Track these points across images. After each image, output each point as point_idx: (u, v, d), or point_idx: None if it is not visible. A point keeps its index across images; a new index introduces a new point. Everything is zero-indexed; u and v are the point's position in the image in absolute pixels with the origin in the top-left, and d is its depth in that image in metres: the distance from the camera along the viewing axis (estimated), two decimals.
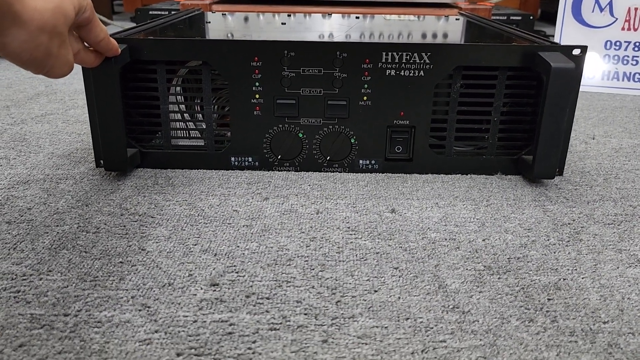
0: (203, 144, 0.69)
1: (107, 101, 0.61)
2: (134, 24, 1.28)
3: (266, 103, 0.66)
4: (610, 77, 1.12)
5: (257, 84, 0.65)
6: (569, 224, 0.57)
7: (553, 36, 1.75)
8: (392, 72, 0.65)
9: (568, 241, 0.53)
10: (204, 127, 0.68)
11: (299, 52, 0.64)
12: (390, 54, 0.64)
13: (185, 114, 0.70)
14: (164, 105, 0.67)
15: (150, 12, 1.39)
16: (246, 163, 0.69)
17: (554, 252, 0.51)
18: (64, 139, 0.80)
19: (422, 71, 0.64)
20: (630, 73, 1.11)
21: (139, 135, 0.69)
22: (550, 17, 2.14)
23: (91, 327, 0.39)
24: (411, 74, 0.65)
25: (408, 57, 0.64)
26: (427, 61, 0.64)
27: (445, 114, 0.67)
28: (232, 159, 0.69)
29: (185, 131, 0.71)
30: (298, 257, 0.49)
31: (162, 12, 1.37)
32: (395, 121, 0.67)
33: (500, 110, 0.67)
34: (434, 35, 0.77)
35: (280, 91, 0.65)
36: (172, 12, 1.37)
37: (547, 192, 0.64)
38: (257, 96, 0.66)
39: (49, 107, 0.97)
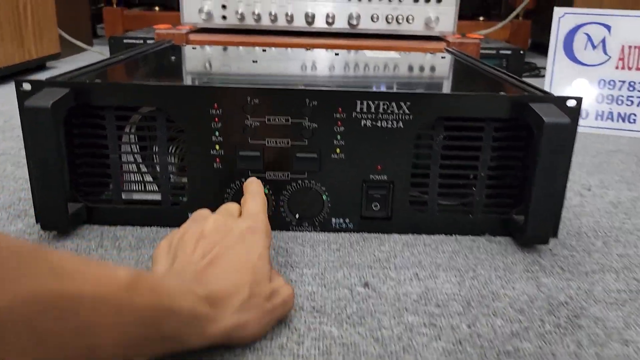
0: (160, 198, 0.62)
1: (42, 150, 0.54)
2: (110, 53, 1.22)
3: (227, 155, 0.59)
4: (605, 118, 1.06)
5: (216, 133, 0.58)
6: (566, 303, 0.50)
7: (544, 68, 1.71)
8: (368, 123, 0.58)
9: (566, 328, 0.46)
10: (159, 179, 0.61)
11: (263, 99, 0.57)
12: (365, 102, 0.57)
13: (138, 164, 0.63)
14: (114, 155, 0.60)
15: (125, 41, 1.32)
16: None
17: (550, 344, 0.43)
18: (8, 185, 0.72)
19: (400, 122, 0.58)
20: (625, 113, 1.05)
21: (86, 188, 0.62)
22: (540, 48, 2.11)
23: None
24: (389, 125, 0.58)
25: (385, 107, 0.57)
26: (407, 111, 0.57)
27: (427, 168, 0.60)
28: (190, 215, 0.61)
29: (138, 184, 0.63)
30: (248, 350, 0.42)
31: (137, 41, 1.31)
32: (371, 176, 0.60)
33: (487, 164, 0.60)
34: (418, 79, 0.70)
35: (242, 142, 0.58)
36: (147, 42, 1.31)
37: (540, 260, 0.57)
38: (217, 147, 0.59)
39: (3, 145, 0.90)
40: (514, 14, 1.69)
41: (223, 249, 0.43)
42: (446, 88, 0.60)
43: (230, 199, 0.61)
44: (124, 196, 0.62)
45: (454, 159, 0.60)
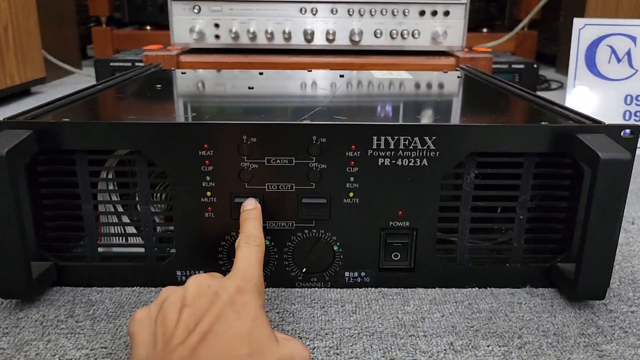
0: (143, 251, 0.53)
1: None
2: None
3: (220, 202, 0.50)
4: None
5: (207, 178, 0.49)
6: None
7: (554, 80, 1.63)
8: (387, 162, 0.49)
9: None
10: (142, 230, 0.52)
11: (262, 136, 0.48)
12: (383, 138, 0.48)
13: (118, 213, 0.54)
14: (87, 205, 0.51)
15: (112, 64, 1.24)
16: None
17: None
18: None
19: (425, 159, 0.49)
20: None
21: (55, 243, 0.53)
22: (547, 59, 2.03)
23: None
24: (411, 164, 0.49)
25: (407, 143, 0.48)
26: (432, 147, 0.49)
27: (455, 212, 0.51)
28: (179, 273, 0.52)
29: (118, 236, 0.54)
30: None
31: (125, 64, 1.23)
32: (391, 222, 0.51)
33: (526, 205, 0.51)
34: (439, 105, 0.61)
35: (238, 187, 0.50)
36: (136, 64, 1.23)
37: (596, 319, 0.48)
38: (208, 194, 0.50)
39: None
40: (521, 25, 1.62)
41: (211, 319, 0.36)
42: (475, 117, 0.51)
43: (225, 253, 0.51)
44: (100, 251, 0.53)
45: (488, 200, 0.51)
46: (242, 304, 0.37)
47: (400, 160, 0.49)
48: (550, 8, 1.83)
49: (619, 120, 0.99)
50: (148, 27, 1.93)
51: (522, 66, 1.24)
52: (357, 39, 1.19)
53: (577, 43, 1.00)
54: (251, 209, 0.48)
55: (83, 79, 1.70)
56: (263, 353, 0.35)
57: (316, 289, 0.53)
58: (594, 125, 0.49)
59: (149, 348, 0.36)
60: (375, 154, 0.49)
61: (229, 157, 0.49)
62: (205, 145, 0.48)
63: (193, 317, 0.36)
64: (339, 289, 0.53)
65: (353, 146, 0.48)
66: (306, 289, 0.53)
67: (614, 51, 0.98)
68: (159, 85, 0.70)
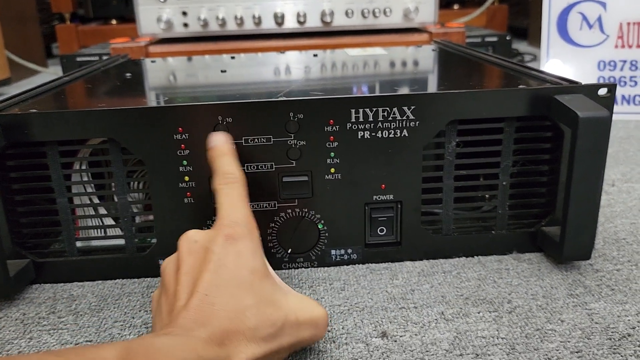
0: (123, 243, 0.51)
1: None
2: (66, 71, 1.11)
3: (199, 187, 0.49)
4: None
5: (184, 162, 0.48)
6: (628, 335, 0.41)
7: (527, 53, 1.63)
8: (366, 135, 0.48)
9: None
10: (120, 221, 0.51)
11: (238, 116, 0.47)
12: (361, 110, 0.47)
13: (95, 206, 0.52)
14: (62, 199, 0.49)
15: (78, 59, 1.20)
16: None
17: None
18: None
19: (405, 130, 0.48)
20: (629, 96, 0.97)
21: (30, 240, 0.51)
22: (519, 33, 2.04)
23: None
24: (391, 135, 0.48)
25: (386, 114, 0.48)
26: (412, 117, 0.48)
27: (439, 182, 0.51)
28: (161, 262, 0.51)
29: (96, 229, 0.53)
30: None
31: (92, 58, 1.19)
32: (375, 197, 0.50)
33: (509, 171, 0.51)
34: (416, 77, 0.61)
35: None
36: (103, 58, 1.20)
37: (583, 279, 0.48)
38: (186, 178, 0.49)
39: None
40: None
41: (207, 275, 0.35)
42: (453, 85, 0.51)
43: None
44: (79, 245, 0.51)
45: (471, 168, 0.51)
46: (236, 253, 0.36)
47: (380, 132, 0.48)
48: None
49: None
50: (114, 22, 1.88)
51: (495, 39, 1.24)
52: (328, 19, 1.17)
53: (549, 12, 1.00)
54: (218, 144, 0.45)
55: (50, 77, 1.65)
56: (267, 306, 0.35)
57: (303, 269, 0.52)
58: (571, 86, 0.49)
59: (157, 318, 0.36)
60: (355, 127, 0.48)
61: (205, 139, 0.47)
62: (180, 129, 0.47)
63: (188, 278, 0.35)
64: (326, 268, 0.52)
65: (331, 121, 0.47)
66: (293, 270, 0.52)
67: (585, 18, 0.98)
68: (128, 74, 0.68)
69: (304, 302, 0.37)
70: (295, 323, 0.35)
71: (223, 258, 0.36)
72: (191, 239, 0.38)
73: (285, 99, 0.47)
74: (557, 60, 0.99)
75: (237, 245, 0.37)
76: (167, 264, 0.39)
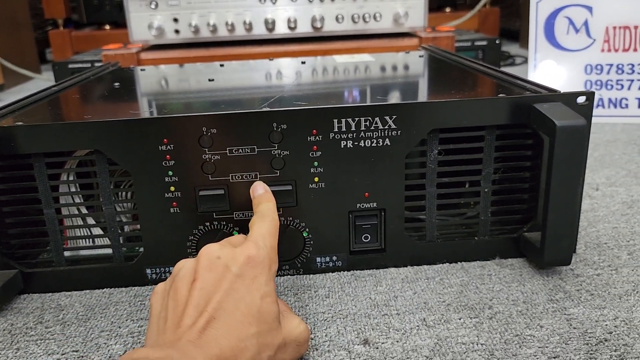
0: (111, 252, 0.52)
1: None
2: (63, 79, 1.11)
3: (185, 197, 0.49)
4: (595, 106, 0.99)
5: (170, 173, 0.49)
6: (605, 340, 0.41)
7: (518, 56, 1.64)
8: (349, 144, 0.49)
9: None
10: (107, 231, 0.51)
11: (222, 127, 0.48)
12: (343, 120, 0.48)
13: (83, 216, 0.53)
14: (49, 210, 0.50)
15: (70, 66, 1.21)
16: (166, 275, 0.52)
17: None
18: None
19: (387, 139, 0.49)
20: (616, 99, 0.98)
21: (18, 251, 0.51)
22: (511, 35, 2.05)
23: None
24: (374, 144, 0.49)
25: (368, 124, 0.48)
26: (393, 126, 0.49)
27: (422, 189, 0.52)
28: (148, 271, 0.52)
29: (84, 239, 0.53)
30: None
31: (84, 65, 1.20)
32: (358, 204, 0.51)
33: (490, 178, 0.52)
34: (400, 85, 0.62)
35: (202, 180, 0.49)
36: (95, 65, 1.20)
37: (563, 285, 0.49)
38: (172, 189, 0.49)
39: None
40: (483, 1, 1.63)
41: (220, 296, 0.36)
42: (435, 94, 0.52)
43: (194, 247, 0.51)
44: (67, 255, 0.52)
45: (453, 176, 0.52)
46: (252, 277, 0.37)
47: (362, 141, 0.49)
48: None
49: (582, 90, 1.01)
50: (107, 27, 1.89)
51: (484, 43, 1.25)
52: (318, 25, 1.18)
53: (536, 16, 1.01)
54: (262, 193, 0.47)
55: (43, 83, 1.65)
56: (269, 332, 0.36)
57: (289, 276, 0.53)
58: (550, 94, 0.49)
59: (161, 322, 0.37)
60: (337, 136, 0.49)
61: (190, 150, 0.48)
62: (165, 140, 0.48)
63: (203, 294, 0.36)
64: (311, 275, 0.53)
65: (314, 130, 0.48)
66: (278, 277, 0.53)
67: (571, 22, 0.99)
68: (117, 84, 0.68)
69: (293, 321, 0.39)
70: (283, 344, 0.37)
71: (239, 280, 0.37)
72: (213, 254, 0.38)
73: (268, 109, 0.48)
74: (550, 61, 1.00)
75: (255, 268, 0.38)
76: (183, 268, 0.38)
